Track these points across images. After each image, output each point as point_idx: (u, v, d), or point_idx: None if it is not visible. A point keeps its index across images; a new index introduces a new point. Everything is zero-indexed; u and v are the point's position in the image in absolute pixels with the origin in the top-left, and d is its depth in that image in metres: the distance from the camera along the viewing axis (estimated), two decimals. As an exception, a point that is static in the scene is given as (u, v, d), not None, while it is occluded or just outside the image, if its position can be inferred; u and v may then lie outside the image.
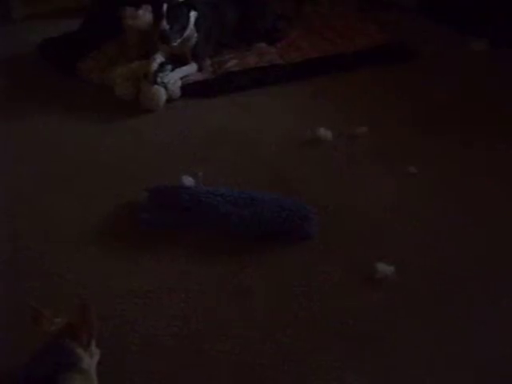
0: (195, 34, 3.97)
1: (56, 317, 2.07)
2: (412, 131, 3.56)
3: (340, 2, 4.89)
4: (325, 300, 2.55)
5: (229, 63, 4.12)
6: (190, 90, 3.88)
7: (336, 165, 3.31)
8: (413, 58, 4.24)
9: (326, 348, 2.36)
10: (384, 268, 2.64)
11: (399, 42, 4.36)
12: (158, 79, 3.74)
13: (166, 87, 3.75)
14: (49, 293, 2.54)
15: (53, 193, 3.10)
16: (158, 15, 3.80)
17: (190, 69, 4.01)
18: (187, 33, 3.90)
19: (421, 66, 4.18)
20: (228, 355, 2.33)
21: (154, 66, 3.82)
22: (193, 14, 3.89)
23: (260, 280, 2.64)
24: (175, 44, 3.85)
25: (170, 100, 3.77)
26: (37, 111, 3.73)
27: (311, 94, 3.90)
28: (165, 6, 3.72)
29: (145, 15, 4.12)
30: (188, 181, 3.05)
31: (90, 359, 2.04)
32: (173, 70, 3.87)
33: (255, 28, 4.34)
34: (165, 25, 3.73)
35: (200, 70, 4.05)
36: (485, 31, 4.33)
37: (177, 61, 3.96)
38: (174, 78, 3.85)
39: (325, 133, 3.46)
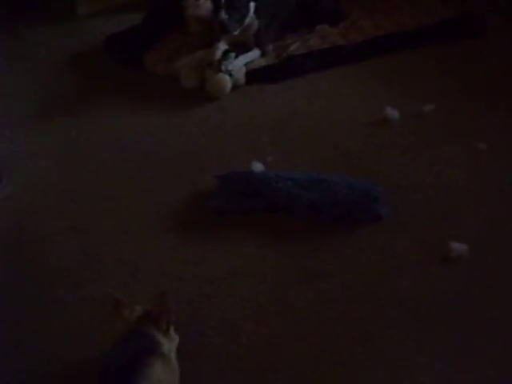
0: (256, 21, 3.97)
1: (135, 305, 2.12)
2: (480, 107, 3.48)
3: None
4: (400, 281, 2.54)
5: (292, 47, 4.10)
6: (254, 75, 3.88)
7: (404, 144, 3.27)
8: (480, 33, 4.12)
9: (401, 326, 2.36)
10: (458, 246, 2.61)
11: (466, 15, 4.25)
12: (223, 67, 3.76)
13: (230, 74, 3.77)
14: (127, 282, 2.61)
15: (123, 183, 3.16)
16: (216, 5, 3.81)
17: (254, 55, 4.01)
18: (247, 21, 3.90)
19: (488, 41, 4.06)
20: (302, 339, 2.36)
21: (218, 54, 3.83)
22: (252, 4, 3.89)
23: (333, 263, 2.64)
24: (235, 33, 3.86)
25: (235, 87, 3.79)
26: (105, 105, 3.79)
27: (376, 74, 3.85)
28: (224, -4, 3.74)
29: (206, 4, 4.14)
30: (258, 166, 3.08)
31: (170, 344, 2.10)
32: (236, 57, 3.88)
33: (316, 10, 4.30)
34: (223, 15, 3.74)
35: (263, 55, 4.06)
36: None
37: (240, 47, 3.97)
38: (238, 64, 3.86)
39: (392, 112, 3.42)
